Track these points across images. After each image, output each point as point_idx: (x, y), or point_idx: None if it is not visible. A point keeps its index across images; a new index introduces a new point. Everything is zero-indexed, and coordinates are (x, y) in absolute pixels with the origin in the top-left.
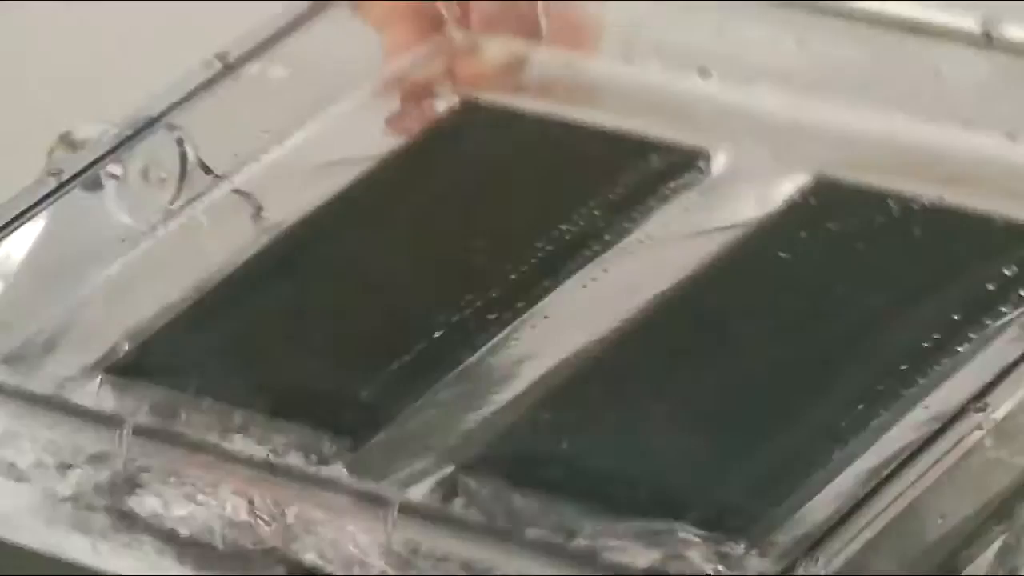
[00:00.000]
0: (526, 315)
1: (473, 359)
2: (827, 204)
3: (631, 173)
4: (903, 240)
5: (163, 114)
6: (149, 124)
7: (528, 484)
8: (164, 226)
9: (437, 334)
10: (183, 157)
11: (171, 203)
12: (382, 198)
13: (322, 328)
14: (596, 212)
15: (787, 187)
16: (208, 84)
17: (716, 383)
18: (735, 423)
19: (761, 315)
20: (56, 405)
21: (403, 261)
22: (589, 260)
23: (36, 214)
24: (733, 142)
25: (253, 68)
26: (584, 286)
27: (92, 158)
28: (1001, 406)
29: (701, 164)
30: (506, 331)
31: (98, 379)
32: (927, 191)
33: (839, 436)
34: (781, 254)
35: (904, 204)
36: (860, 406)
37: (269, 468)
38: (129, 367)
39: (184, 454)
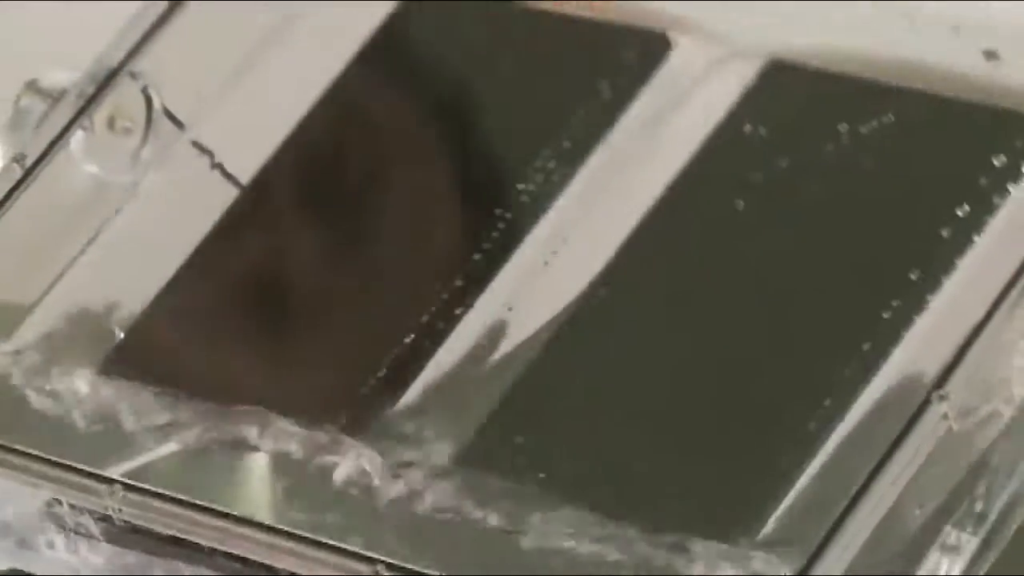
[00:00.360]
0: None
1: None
2: (788, 91)
3: (588, 60)
4: (873, 129)
5: (125, 62)
6: (112, 75)
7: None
8: (134, 178)
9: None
10: (149, 105)
11: (138, 152)
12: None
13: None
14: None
15: (747, 71)
16: (163, 23)
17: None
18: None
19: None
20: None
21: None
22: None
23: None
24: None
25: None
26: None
27: (54, 135)
28: (960, 387)
29: (661, 50)
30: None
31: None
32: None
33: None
34: (743, 156)
35: (866, 88)
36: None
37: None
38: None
39: None
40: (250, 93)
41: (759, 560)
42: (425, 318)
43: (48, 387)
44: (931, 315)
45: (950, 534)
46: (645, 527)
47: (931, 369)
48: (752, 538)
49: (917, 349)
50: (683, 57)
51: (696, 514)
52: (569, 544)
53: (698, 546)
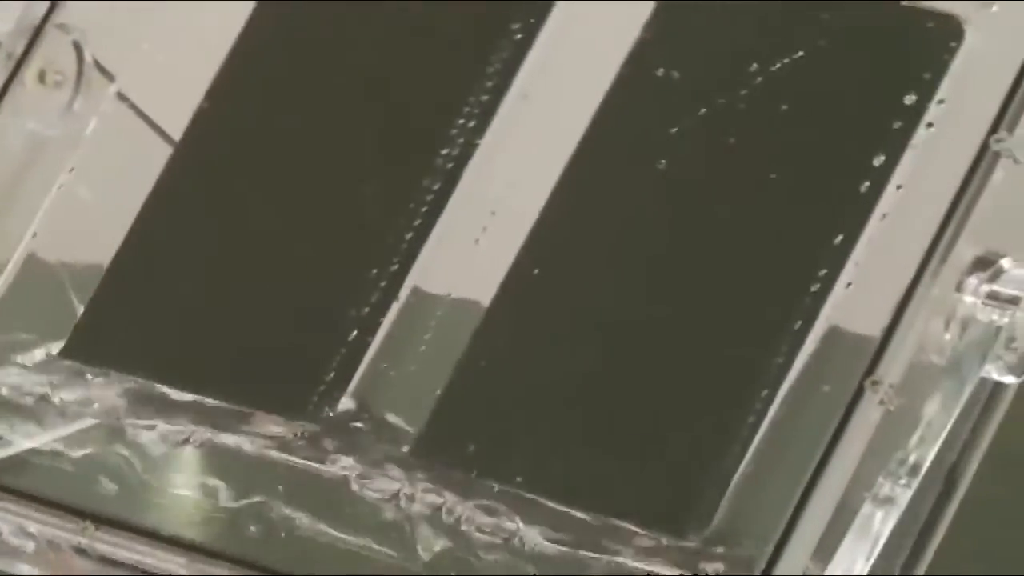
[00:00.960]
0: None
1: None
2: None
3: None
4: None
5: (49, 13)
6: (39, 29)
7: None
8: (68, 131)
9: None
10: (80, 58)
11: (70, 106)
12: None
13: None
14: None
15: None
16: None
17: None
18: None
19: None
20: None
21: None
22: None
23: None
24: None
25: None
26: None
27: None
28: (891, 367)
29: None
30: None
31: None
32: None
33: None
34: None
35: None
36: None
37: None
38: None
39: None
40: (173, 37)
41: (711, 559)
42: (366, 310)
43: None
44: (856, 285)
45: (883, 486)
46: (590, 517)
47: (862, 348)
48: (700, 534)
49: (846, 324)
50: None
51: (640, 507)
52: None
53: (645, 540)
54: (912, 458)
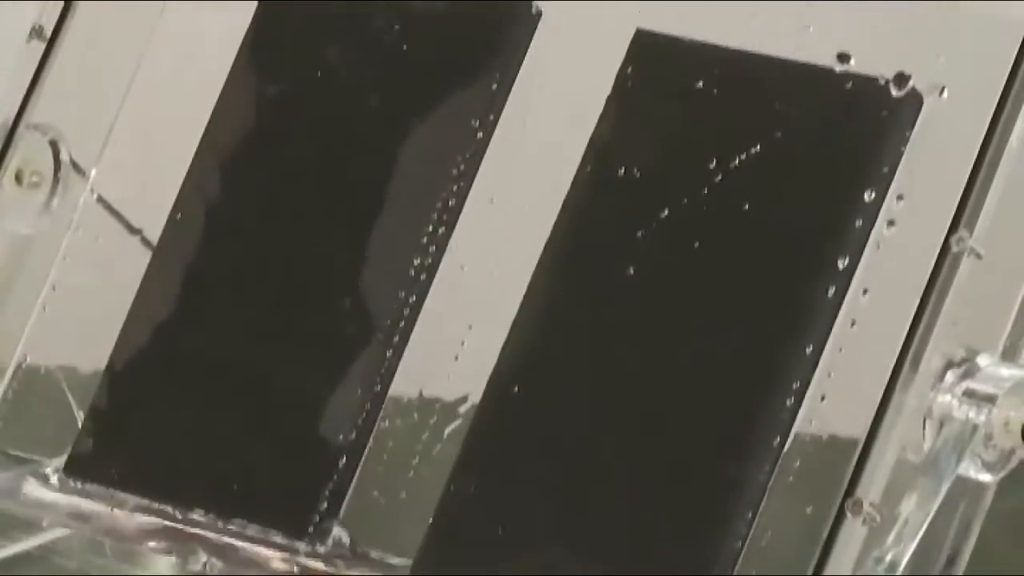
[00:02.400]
0: None
1: None
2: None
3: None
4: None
5: (21, 113)
6: (13, 129)
7: None
8: (47, 231)
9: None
10: (56, 156)
11: (47, 205)
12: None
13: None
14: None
15: (617, 40)
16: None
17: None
18: None
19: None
20: None
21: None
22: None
23: None
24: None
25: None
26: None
27: None
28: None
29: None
30: None
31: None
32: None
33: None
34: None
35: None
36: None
37: None
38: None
39: None
40: (143, 129)
41: None
42: (378, 387)
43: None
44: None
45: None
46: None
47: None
48: None
49: (822, 431)
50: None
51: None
52: None
53: None
54: (889, 557)
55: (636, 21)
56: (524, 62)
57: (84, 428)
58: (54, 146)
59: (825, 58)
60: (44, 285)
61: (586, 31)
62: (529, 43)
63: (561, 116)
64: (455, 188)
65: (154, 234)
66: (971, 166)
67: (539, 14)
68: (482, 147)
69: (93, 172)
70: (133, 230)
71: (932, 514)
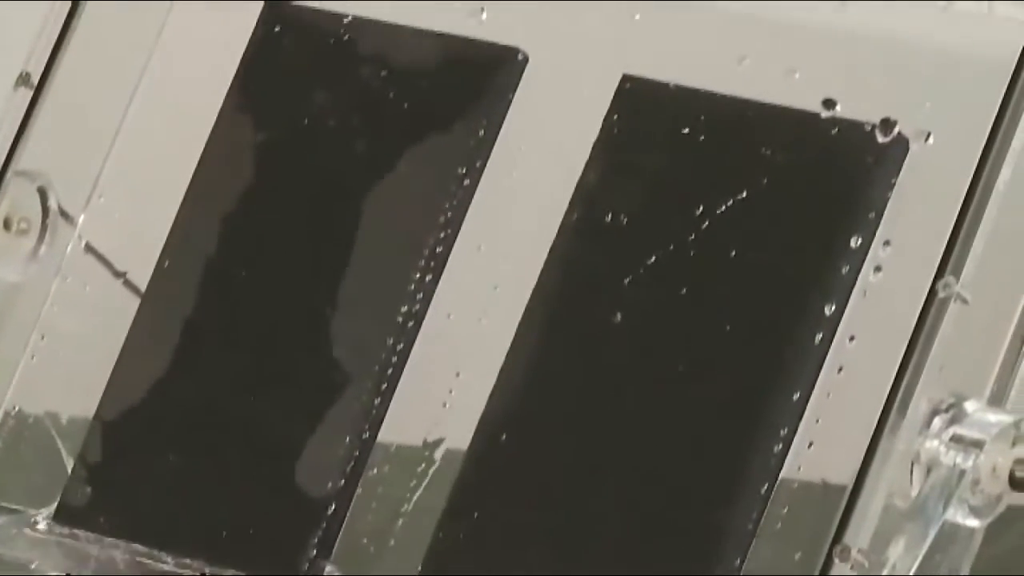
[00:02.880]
0: None
1: None
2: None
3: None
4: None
5: (8, 160)
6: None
7: None
8: (35, 278)
9: None
10: (44, 203)
11: (35, 252)
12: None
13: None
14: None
15: (603, 86)
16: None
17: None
18: None
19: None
20: None
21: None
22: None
23: None
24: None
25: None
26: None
27: None
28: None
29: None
30: None
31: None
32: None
33: None
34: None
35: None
36: None
37: None
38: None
39: None
40: (130, 177)
41: None
42: (367, 435)
43: None
44: (818, 443)
45: None
46: None
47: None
48: None
49: (810, 477)
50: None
51: None
52: None
53: None
54: None
55: (622, 66)
56: (510, 108)
57: (74, 475)
58: (42, 193)
59: (811, 104)
60: (32, 333)
61: (572, 76)
62: (515, 89)
63: (548, 162)
64: (442, 235)
65: (142, 282)
66: (957, 212)
67: (525, 60)
68: (469, 194)
69: (81, 219)
70: (119, 275)
71: (920, 560)
